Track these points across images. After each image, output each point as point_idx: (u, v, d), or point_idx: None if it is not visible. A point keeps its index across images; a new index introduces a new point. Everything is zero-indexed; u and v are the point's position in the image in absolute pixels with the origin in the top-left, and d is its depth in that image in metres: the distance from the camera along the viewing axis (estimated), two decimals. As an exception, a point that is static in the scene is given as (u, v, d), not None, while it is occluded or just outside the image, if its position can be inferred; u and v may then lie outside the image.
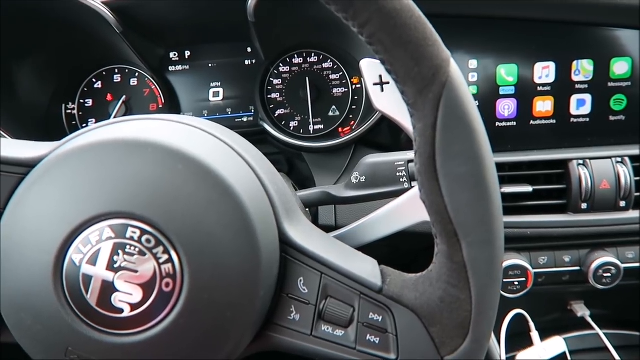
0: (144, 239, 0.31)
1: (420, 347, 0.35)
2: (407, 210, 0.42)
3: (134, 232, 0.31)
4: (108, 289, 0.31)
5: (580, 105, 0.73)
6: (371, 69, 0.38)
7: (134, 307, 0.31)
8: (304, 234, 0.38)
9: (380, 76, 0.38)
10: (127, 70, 0.79)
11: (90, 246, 0.31)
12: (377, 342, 0.36)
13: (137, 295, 0.31)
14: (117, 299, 0.31)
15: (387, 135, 0.76)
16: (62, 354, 0.32)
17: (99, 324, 0.32)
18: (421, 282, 0.36)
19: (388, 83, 0.38)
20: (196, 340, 0.32)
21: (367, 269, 0.37)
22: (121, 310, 0.31)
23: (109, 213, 0.31)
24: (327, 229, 0.45)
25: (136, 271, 0.31)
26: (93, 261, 0.31)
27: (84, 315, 0.32)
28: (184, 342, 0.32)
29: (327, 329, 0.36)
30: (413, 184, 0.50)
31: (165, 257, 0.31)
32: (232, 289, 0.33)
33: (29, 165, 0.34)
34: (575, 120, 0.73)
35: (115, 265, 0.31)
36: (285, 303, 0.37)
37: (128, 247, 0.31)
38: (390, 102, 0.37)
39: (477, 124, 0.33)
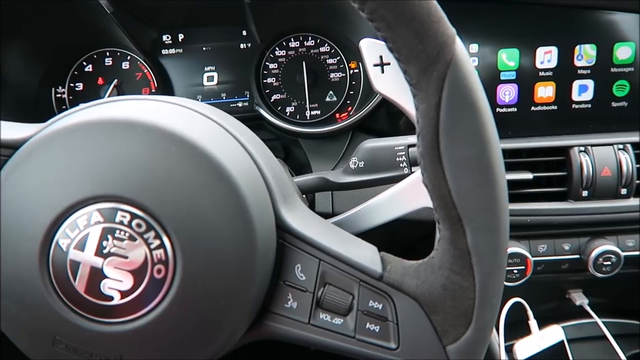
0: (134, 223, 0.30)
1: (421, 336, 0.34)
2: (408, 196, 0.41)
3: (124, 216, 0.30)
4: (97, 275, 0.30)
5: (582, 91, 0.71)
6: (371, 49, 0.37)
7: (124, 294, 0.30)
8: (302, 220, 0.37)
9: (381, 57, 0.37)
10: (118, 54, 0.77)
11: (78, 231, 0.30)
12: (377, 330, 0.35)
13: (127, 282, 0.30)
14: (106, 286, 0.30)
15: (385, 121, 0.74)
16: (49, 343, 0.31)
17: (87, 311, 0.30)
18: (423, 269, 0.35)
19: (389, 64, 0.37)
20: (189, 329, 0.31)
21: (367, 255, 0.36)
22: (111, 298, 0.30)
23: (97, 196, 0.30)
24: (324, 216, 0.44)
25: (126, 257, 0.30)
26: (81, 246, 0.30)
27: (71, 302, 0.30)
28: (177, 331, 0.31)
29: (326, 317, 0.35)
30: (413, 169, 0.48)
31: (157, 242, 0.30)
32: (226, 276, 0.31)
33: (13, 147, 0.33)
34: (577, 106, 0.72)
35: (105, 251, 0.30)
36: (282, 290, 0.35)
37: (118, 232, 0.30)
38: (391, 83, 0.36)
39: (483, 105, 0.31)
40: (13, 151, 0.33)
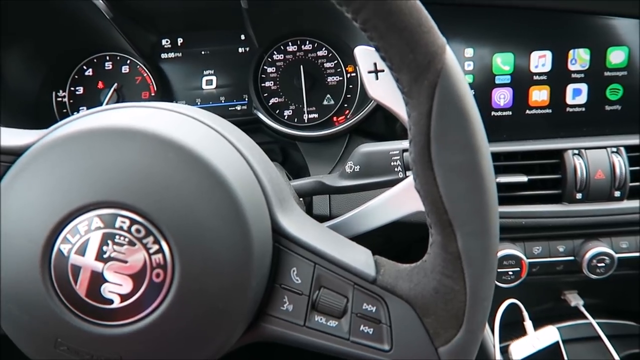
0: (133, 228, 0.31)
1: (414, 338, 0.35)
2: (401, 200, 0.42)
3: (124, 222, 0.31)
4: (97, 279, 0.31)
5: (576, 95, 0.72)
6: (366, 56, 0.37)
7: (124, 297, 0.31)
8: (297, 224, 0.38)
9: (375, 64, 0.37)
10: (118, 58, 0.78)
11: (79, 236, 0.31)
12: (370, 332, 0.36)
13: (127, 286, 0.31)
14: (106, 290, 0.31)
15: (382, 124, 0.75)
16: (51, 345, 0.32)
17: (88, 315, 0.31)
18: (415, 273, 0.36)
19: (383, 71, 0.37)
20: (187, 331, 0.32)
21: (361, 259, 0.37)
22: (111, 301, 0.31)
23: (97, 202, 0.31)
24: (322, 218, 0.45)
25: (126, 261, 0.31)
26: (82, 251, 0.31)
27: (73, 306, 0.31)
28: (175, 333, 0.32)
29: (321, 319, 0.36)
30: (408, 173, 0.49)
31: (156, 247, 0.31)
32: (224, 279, 0.32)
33: (15, 154, 0.34)
34: (571, 109, 0.73)
35: (105, 256, 0.31)
36: (278, 293, 0.36)
37: (117, 237, 0.31)
38: (384, 90, 0.37)
39: (473, 112, 0.32)
40: (15, 158, 0.33)
